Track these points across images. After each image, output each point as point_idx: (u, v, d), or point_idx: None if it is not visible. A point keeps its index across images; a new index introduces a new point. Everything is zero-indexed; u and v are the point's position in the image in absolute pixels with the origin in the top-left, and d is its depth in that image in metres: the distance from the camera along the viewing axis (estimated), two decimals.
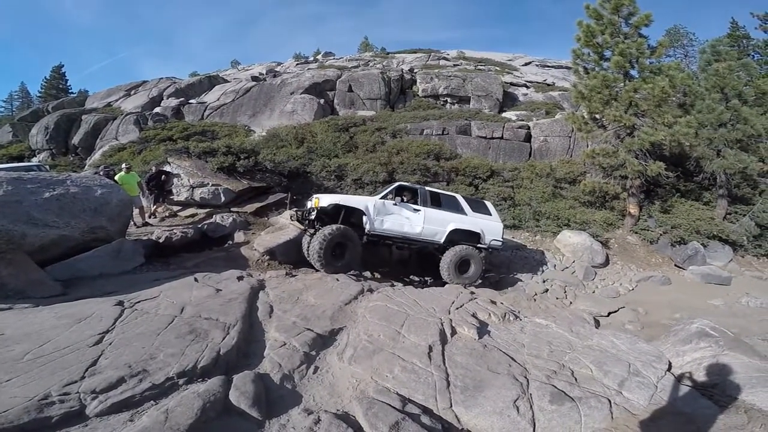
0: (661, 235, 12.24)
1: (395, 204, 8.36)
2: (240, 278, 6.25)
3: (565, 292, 9.20)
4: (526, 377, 3.78)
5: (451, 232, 8.71)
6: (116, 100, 28.85)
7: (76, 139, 22.36)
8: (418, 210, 8.51)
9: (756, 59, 24.77)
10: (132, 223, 9.55)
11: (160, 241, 8.39)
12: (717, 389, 3.70)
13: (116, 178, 9.88)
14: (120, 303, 4.64)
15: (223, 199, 11.29)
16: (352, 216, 8.10)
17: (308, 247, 8.40)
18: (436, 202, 8.89)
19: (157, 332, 3.86)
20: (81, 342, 3.56)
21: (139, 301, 4.79)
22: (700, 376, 3.96)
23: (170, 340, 3.70)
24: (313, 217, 7.99)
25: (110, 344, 3.57)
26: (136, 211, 9.98)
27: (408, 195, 9.03)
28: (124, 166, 10.53)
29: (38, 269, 5.71)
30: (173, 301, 4.81)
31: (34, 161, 20.71)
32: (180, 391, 3.03)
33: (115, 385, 2.91)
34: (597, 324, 6.96)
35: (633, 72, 12.82)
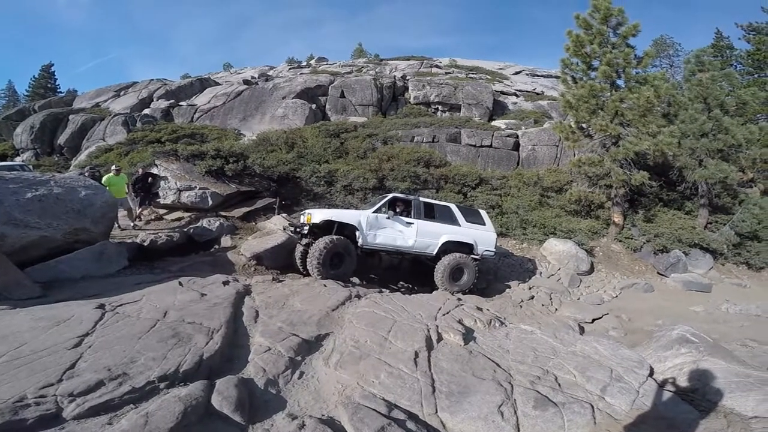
0: (644, 243, 12.45)
1: (388, 218, 8.43)
2: (225, 283, 6.18)
3: (551, 298, 9.27)
4: (510, 383, 3.79)
5: (443, 243, 8.82)
6: (105, 101, 28.49)
7: (62, 139, 22.02)
8: (411, 223, 8.60)
9: (738, 69, 25.41)
10: (116, 225, 9.41)
11: (145, 244, 8.28)
12: (697, 394, 3.77)
13: (104, 179, 9.74)
14: (101, 306, 4.56)
15: (210, 202, 11.19)
16: (344, 230, 8.15)
17: (301, 255, 8.43)
18: (430, 213, 8.97)
19: (139, 336, 3.79)
20: (59, 345, 3.48)
21: (121, 305, 4.72)
22: (681, 382, 4.03)
23: (152, 343, 3.64)
24: (305, 231, 8.11)
25: (90, 347, 3.50)
26: (123, 213, 9.85)
27: (402, 206, 9.09)
28: (113, 167, 10.37)
29: (17, 270, 5.58)
30: (156, 305, 4.75)
31: (18, 161, 20.30)
32: (161, 395, 2.98)
33: (93, 388, 2.86)
34: (581, 330, 7.05)
35: (619, 82, 13.08)
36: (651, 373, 4.18)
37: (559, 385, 3.83)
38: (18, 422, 2.46)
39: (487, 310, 6.49)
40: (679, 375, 4.16)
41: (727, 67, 19.08)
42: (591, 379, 3.91)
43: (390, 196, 9.05)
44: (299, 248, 8.67)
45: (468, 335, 4.86)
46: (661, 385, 3.95)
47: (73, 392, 2.79)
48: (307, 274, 7.87)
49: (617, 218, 13.11)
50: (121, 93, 29.29)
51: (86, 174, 11.32)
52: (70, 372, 3.04)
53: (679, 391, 3.89)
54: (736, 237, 12.79)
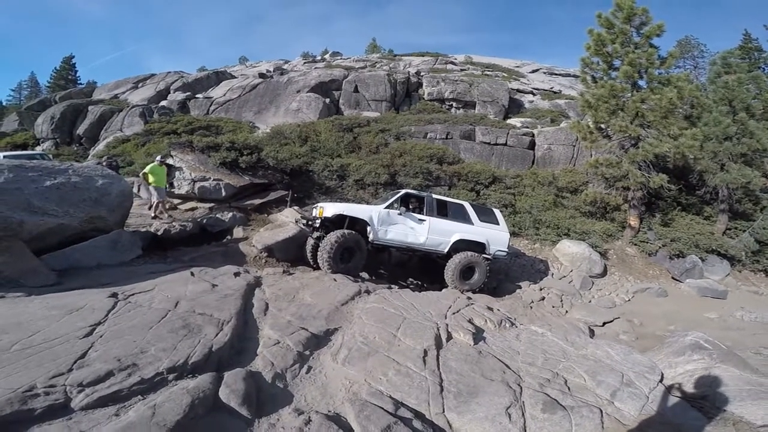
0: (660, 247, 12.20)
1: (400, 214, 8.37)
2: (237, 274, 6.22)
3: (562, 300, 9.15)
4: (519, 385, 3.75)
5: (455, 242, 8.74)
6: (124, 92, 28.94)
7: (81, 130, 22.42)
8: (423, 220, 8.52)
9: (767, 72, 24.59)
10: (155, 214, 9.65)
11: (159, 233, 8.38)
12: (707, 401, 3.72)
13: (148, 167, 9.80)
14: (114, 295, 4.62)
15: (223, 194, 11.26)
16: (355, 225, 8.13)
17: (312, 248, 8.46)
18: (443, 210, 8.89)
19: (150, 326, 3.83)
20: (71, 333, 3.52)
21: (133, 294, 4.77)
22: (692, 388, 3.98)
23: (162, 334, 3.67)
24: (317, 225, 8.10)
25: (101, 337, 3.54)
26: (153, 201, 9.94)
27: (414, 202, 9.02)
28: (158, 157, 10.41)
29: (34, 258, 5.70)
30: (168, 295, 4.79)
31: (38, 150, 20.74)
32: (169, 386, 2.99)
33: (103, 379, 2.87)
34: (592, 333, 6.95)
35: (641, 82, 12.75)
36: (661, 379, 4.12)
37: (569, 388, 3.79)
38: (26, 412, 2.47)
39: (498, 310, 6.42)
40: (689, 381, 4.10)
41: (754, 70, 18.45)
42: (601, 384, 3.86)
43: (403, 192, 9.00)
44: (310, 241, 8.68)
45: (478, 335, 4.81)
46: (671, 391, 3.91)
47: (83, 382, 2.80)
48: (318, 268, 7.89)
49: (633, 221, 12.86)
50: (140, 85, 29.71)
51: (104, 164, 11.49)
52: (80, 361, 3.06)
53: (689, 397, 3.84)
54: (755, 244, 12.47)
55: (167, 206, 10.13)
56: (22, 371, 2.85)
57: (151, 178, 9.60)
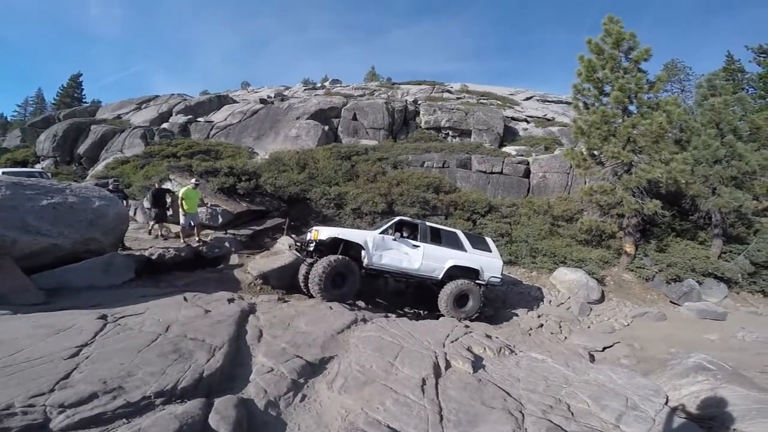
0: (656, 273, 12.17)
1: (394, 239, 8.38)
2: (231, 300, 6.12)
3: (560, 327, 9.05)
4: (521, 412, 3.66)
5: (449, 268, 8.71)
6: (127, 113, 29.21)
7: (82, 149, 22.47)
8: (417, 246, 8.53)
9: (750, 93, 25.16)
10: (198, 240, 9.62)
11: (153, 257, 8.27)
12: (715, 421, 3.73)
13: (182, 191, 9.71)
14: (103, 317, 4.51)
15: (220, 220, 11.20)
16: (350, 249, 8.08)
17: (305, 274, 8.36)
18: (436, 237, 8.92)
19: (139, 349, 3.72)
20: (56, 353, 3.42)
21: (123, 316, 4.66)
22: (698, 409, 3.99)
23: (152, 358, 3.56)
24: (311, 248, 8.04)
25: (87, 358, 3.43)
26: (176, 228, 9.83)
27: (408, 230, 9.03)
28: (193, 181, 10.39)
29: (23, 276, 5.60)
30: (159, 319, 4.68)
31: (37, 168, 20.71)
32: (156, 411, 2.88)
33: (86, 401, 2.76)
34: (592, 359, 6.87)
35: (632, 107, 12.94)
36: (667, 401, 4.10)
37: (572, 414, 3.74)
38: (1, 431, 2.38)
39: (496, 337, 6.33)
40: (695, 403, 4.12)
41: (739, 91, 18.81)
42: (605, 408, 3.82)
43: (397, 218, 9.04)
44: (303, 268, 8.58)
45: (477, 363, 4.73)
46: (677, 413, 3.89)
47: (64, 403, 2.70)
48: (312, 295, 7.77)
49: (629, 248, 12.86)
50: (143, 106, 30.03)
51: (110, 186, 11.41)
52: (63, 382, 2.96)
53: (696, 418, 3.85)
54: (751, 266, 12.50)
55: (186, 233, 9.91)
56: (1, 390, 2.75)
57: (185, 204, 9.52)
